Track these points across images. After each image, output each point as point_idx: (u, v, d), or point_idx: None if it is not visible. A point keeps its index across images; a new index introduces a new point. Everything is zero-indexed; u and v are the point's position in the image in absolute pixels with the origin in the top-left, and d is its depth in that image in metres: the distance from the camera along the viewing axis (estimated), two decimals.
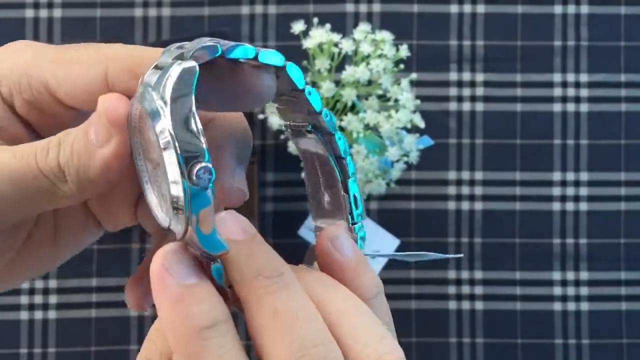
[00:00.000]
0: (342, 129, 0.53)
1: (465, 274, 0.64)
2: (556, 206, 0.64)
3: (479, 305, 0.64)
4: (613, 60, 0.65)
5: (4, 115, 0.23)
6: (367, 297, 0.22)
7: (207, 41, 0.21)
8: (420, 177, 0.64)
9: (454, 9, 0.65)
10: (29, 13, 0.63)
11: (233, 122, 0.24)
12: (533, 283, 0.64)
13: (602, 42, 0.65)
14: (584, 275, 0.64)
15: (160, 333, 0.20)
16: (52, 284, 0.62)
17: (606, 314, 0.64)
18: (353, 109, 0.54)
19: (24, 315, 0.62)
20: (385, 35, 0.53)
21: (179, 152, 0.19)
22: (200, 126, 0.19)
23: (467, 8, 0.65)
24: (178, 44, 0.21)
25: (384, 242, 0.63)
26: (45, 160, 0.21)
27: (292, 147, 0.55)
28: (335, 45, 0.53)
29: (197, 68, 0.19)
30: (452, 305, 0.63)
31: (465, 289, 0.64)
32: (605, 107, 0.65)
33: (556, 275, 0.64)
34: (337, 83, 0.53)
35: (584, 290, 0.64)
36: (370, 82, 0.53)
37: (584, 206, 0.64)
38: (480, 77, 0.65)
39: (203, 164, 0.19)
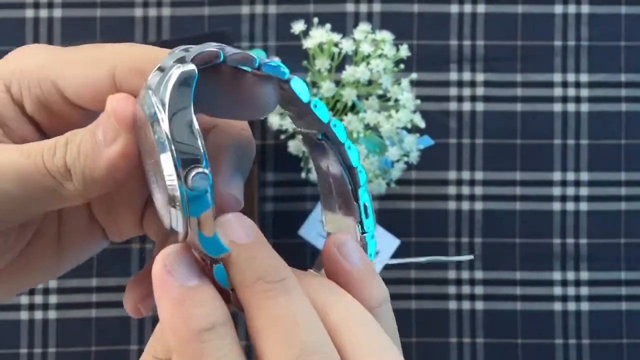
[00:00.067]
0: None
1: (465, 274, 0.64)
2: (556, 206, 0.64)
3: (479, 305, 0.64)
4: (613, 60, 0.65)
5: (14, 116, 0.23)
6: (371, 306, 0.21)
7: (211, 46, 0.20)
8: (420, 177, 0.64)
9: (454, 8, 0.65)
10: (29, 13, 0.63)
11: (236, 130, 0.24)
12: (533, 283, 0.64)
13: (602, 42, 0.65)
14: (584, 275, 0.64)
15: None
16: (52, 284, 0.62)
17: (606, 314, 0.64)
18: (353, 109, 0.54)
19: (24, 315, 0.62)
20: (386, 35, 0.53)
21: (175, 155, 0.19)
22: (198, 130, 0.19)
23: (468, 8, 0.65)
24: (184, 47, 0.21)
25: (384, 242, 0.63)
26: (52, 160, 0.21)
27: (292, 147, 0.55)
28: (336, 45, 0.53)
29: (196, 72, 0.19)
30: (453, 305, 0.63)
31: (466, 289, 0.64)
32: (606, 107, 0.65)
33: (556, 275, 0.64)
34: (337, 83, 0.53)
35: (584, 290, 0.64)
36: (370, 82, 0.53)
37: (584, 206, 0.64)
38: (480, 77, 0.65)
39: (200, 170, 0.19)
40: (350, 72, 0.52)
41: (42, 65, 0.23)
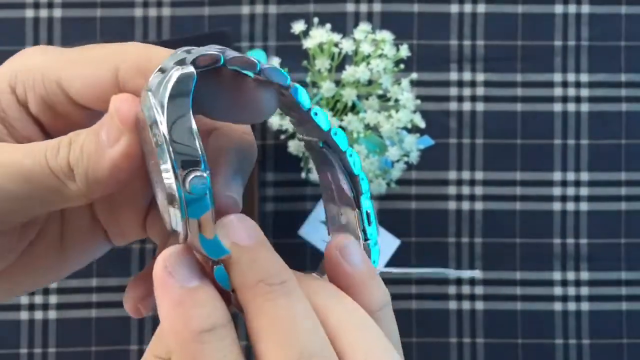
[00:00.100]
0: (342, 128, 0.53)
1: (465, 274, 0.64)
2: (557, 206, 0.64)
3: (480, 305, 0.64)
4: (614, 60, 0.65)
5: (18, 116, 0.23)
6: (372, 310, 0.21)
7: (213, 49, 0.20)
8: (420, 177, 0.64)
9: (454, 8, 0.65)
10: (29, 13, 0.63)
11: (238, 133, 0.24)
12: (533, 283, 0.64)
13: (602, 42, 0.65)
14: (585, 275, 0.64)
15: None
16: (52, 284, 0.62)
17: (607, 314, 0.64)
18: (353, 109, 0.54)
19: (24, 315, 0.62)
20: (386, 35, 0.53)
21: (172, 157, 0.19)
22: (196, 133, 0.19)
23: (468, 8, 0.65)
24: (186, 48, 0.21)
25: (384, 242, 0.63)
26: (55, 159, 0.21)
27: (292, 147, 0.55)
28: (336, 45, 0.53)
29: (195, 75, 0.19)
30: (453, 305, 0.63)
31: (466, 289, 0.64)
32: (606, 107, 0.65)
33: (557, 275, 0.64)
34: (338, 83, 0.53)
35: (585, 290, 0.64)
36: (370, 82, 0.53)
37: (584, 206, 0.64)
38: (480, 77, 0.65)
39: (198, 173, 0.19)
40: (350, 72, 0.52)
41: (47, 66, 0.23)
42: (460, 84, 0.64)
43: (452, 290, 0.64)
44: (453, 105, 0.64)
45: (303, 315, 0.19)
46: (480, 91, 0.64)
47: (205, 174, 0.19)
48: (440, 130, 0.64)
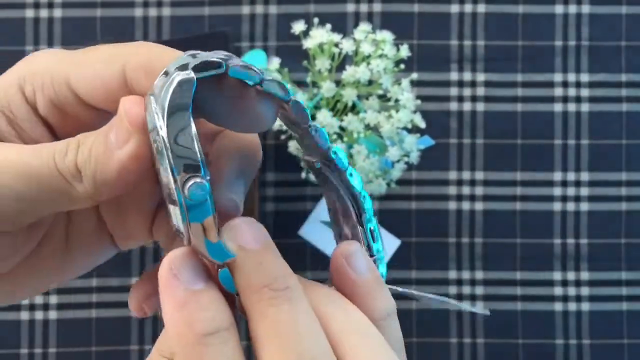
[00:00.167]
0: (342, 129, 0.53)
1: (466, 274, 0.64)
2: (557, 206, 0.64)
3: (480, 305, 0.64)
4: (614, 60, 0.65)
5: (27, 117, 0.23)
6: (376, 318, 0.21)
7: (217, 56, 0.20)
8: (420, 177, 0.64)
9: (454, 8, 0.65)
10: (29, 13, 0.63)
11: (243, 137, 0.24)
12: (534, 283, 0.64)
13: (603, 42, 0.65)
14: (585, 275, 0.64)
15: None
16: None
17: (607, 314, 0.64)
18: (353, 109, 0.54)
19: (24, 315, 0.62)
20: (386, 35, 0.53)
21: (172, 162, 0.19)
22: (196, 138, 0.19)
23: (468, 8, 0.65)
24: (192, 52, 0.21)
25: (384, 243, 0.63)
26: (63, 161, 0.21)
27: (292, 147, 0.55)
28: (336, 45, 0.53)
29: (195, 81, 0.19)
30: (452, 305, 0.63)
31: (466, 289, 0.64)
32: (606, 107, 0.65)
33: (557, 276, 0.64)
34: (338, 83, 0.53)
35: (585, 291, 0.64)
36: (370, 82, 0.53)
37: (584, 206, 0.64)
38: (481, 77, 0.64)
39: (197, 179, 0.19)
40: (350, 72, 0.52)
41: (55, 67, 0.23)
42: (460, 84, 0.64)
43: (452, 290, 0.64)
44: (453, 106, 0.64)
45: (305, 321, 0.19)
46: (480, 91, 0.64)
47: (204, 181, 0.19)
48: (441, 130, 0.64)
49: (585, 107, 0.65)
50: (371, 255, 0.23)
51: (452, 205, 0.64)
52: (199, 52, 0.21)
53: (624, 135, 0.64)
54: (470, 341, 0.63)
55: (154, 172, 0.21)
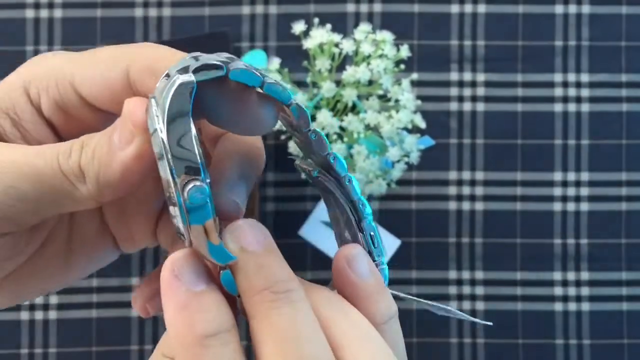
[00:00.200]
0: (342, 129, 0.53)
1: (466, 274, 0.64)
2: (557, 206, 0.64)
3: (480, 305, 0.64)
4: (614, 60, 0.65)
5: (31, 119, 0.23)
6: (378, 322, 0.21)
7: (219, 58, 0.20)
8: (421, 177, 0.64)
9: (454, 8, 0.65)
10: (30, 13, 0.64)
11: (246, 139, 0.24)
12: (534, 283, 0.64)
13: (603, 42, 0.65)
14: (585, 275, 0.64)
15: None
16: None
17: (607, 315, 0.64)
18: (354, 109, 0.54)
19: (24, 315, 0.62)
20: (386, 36, 0.53)
21: (171, 165, 0.19)
22: (196, 141, 0.19)
23: (468, 8, 0.65)
24: (195, 54, 0.21)
25: (384, 243, 0.63)
26: (67, 161, 0.21)
27: (292, 148, 0.55)
28: (336, 45, 0.53)
29: (195, 84, 0.19)
30: (453, 305, 0.63)
31: (466, 289, 0.64)
32: (607, 107, 0.65)
33: (557, 276, 0.64)
34: (338, 83, 0.53)
35: (585, 291, 0.64)
36: (370, 83, 0.53)
37: (585, 206, 0.64)
38: (481, 77, 0.64)
39: (197, 183, 0.19)
40: (350, 73, 0.52)
41: (60, 68, 0.23)
42: (460, 84, 0.64)
43: (452, 290, 0.64)
44: (453, 106, 0.64)
45: (306, 325, 0.19)
46: (480, 91, 0.64)
47: (204, 184, 0.19)
48: (441, 130, 0.64)
49: (585, 107, 0.65)
50: (372, 261, 0.23)
51: (452, 205, 0.64)
52: (201, 54, 0.21)
53: (624, 135, 0.64)
54: (470, 341, 0.63)
55: (157, 174, 0.21)
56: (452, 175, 0.64)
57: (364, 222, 0.23)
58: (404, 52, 0.53)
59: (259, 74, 0.20)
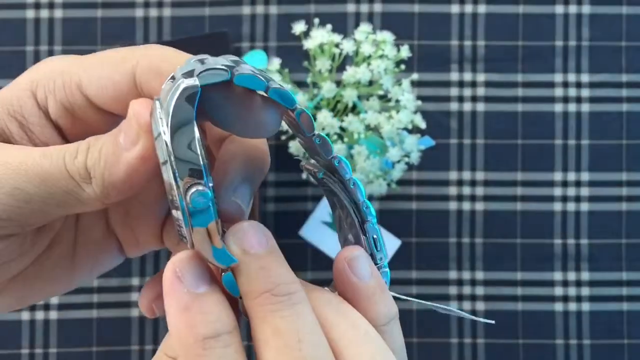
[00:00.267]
0: (343, 129, 0.53)
1: (466, 275, 0.64)
2: (557, 206, 0.64)
3: (480, 305, 0.64)
4: (614, 61, 0.65)
5: (38, 121, 0.23)
6: (378, 324, 0.21)
7: (225, 62, 0.21)
8: (421, 177, 0.64)
9: (455, 9, 0.65)
10: (30, 14, 0.64)
11: (250, 142, 0.24)
12: (534, 283, 0.64)
13: (603, 42, 0.65)
14: (585, 275, 0.64)
15: None
16: None
17: (607, 315, 0.64)
18: (354, 109, 0.54)
19: (25, 315, 0.62)
20: (386, 36, 0.53)
21: (174, 168, 0.19)
22: (199, 145, 0.19)
23: (469, 8, 0.65)
24: (201, 57, 0.21)
25: (385, 243, 0.63)
26: (73, 162, 0.21)
27: (293, 148, 0.55)
28: (336, 45, 0.53)
29: (199, 88, 0.19)
30: (453, 306, 0.63)
31: (467, 289, 0.64)
32: (607, 107, 0.65)
33: (557, 276, 0.64)
34: (338, 83, 0.53)
35: (585, 291, 0.64)
36: (371, 83, 0.53)
37: (585, 206, 0.64)
38: (481, 77, 0.64)
39: (199, 187, 0.19)
40: (351, 73, 0.52)
41: (67, 71, 0.23)
42: (461, 84, 0.64)
43: (452, 290, 0.64)
44: (454, 106, 0.64)
45: (307, 328, 0.19)
46: (481, 91, 0.64)
47: (206, 188, 0.19)
48: (441, 130, 0.64)
49: (585, 108, 0.65)
50: (375, 264, 0.23)
51: (452, 205, 0.64)
52: (207, 56, 0.21)
53: (625, 135, 0.64)
54: (470, 341, 0.63)
55: (161, 178, 0.22)
56: (453, 175, 0.64)
57: (367, 224, 0.23)
58: (404, 52, 0.53)
59: (263, 79, 0.21)
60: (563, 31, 0.65)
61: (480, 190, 0.64)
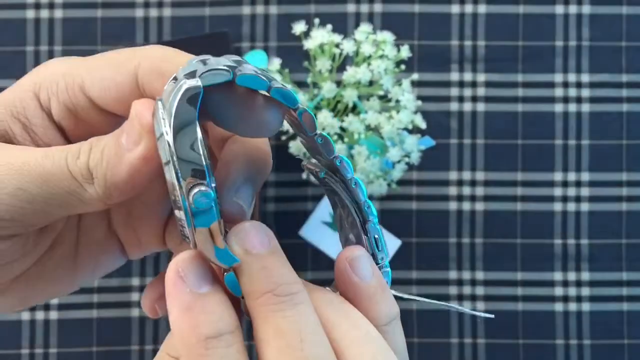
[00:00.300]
0: (343, 129, 0.53)
1: (466, 275, 0.64)
2: (557, 206, 0.64)
3: (480, 305, 0.64)
4: (615, 61, 0.65)
5: (41, 122, 0.23)
6: (380, 324, 0.21)
7: (226, 63, 0.21)
8: (421, 177, 0.64)
9: (455, 9, 0.65)
10: (30, 14, 0.64)
11: (253, 142, 0.24)
12: (534, 284, 0.64)
13: (603, 42, 0.65)
14: (585, 275, 0.64)
15: None
16: None
17: (608, 315, 0.64)
18: (354, 109, 0.54)
19: (25, 315, 0.62)
20: (387, 36, 0.53)
21: (177, 169, 0.19)
22: (201, 145, 0.19)
23: (469, 8, 0.65)
24: (203, 57, 0.21)
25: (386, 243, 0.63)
26: (75, 163, 0.21)
27: (293, 148, 0.55)
28: (337, 45, 0.53)
29: (201, 89, 0.19)
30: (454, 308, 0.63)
31: (467, 289, 0.64)
32: (607, 107, 0.65)
33: (557, 276, 0.64)
34: (338, 84, 0.53)
35: (586, 291, 0.64)
36: (371, 83, 0.53)
37: (585, 206, 0.64)
38: (481, 77, 0.64)
39: (202, 187, 0.19)
40: (351, 73, 0.52)
41: (70, 72, 0.23)
42: (461, 84, 0.64)
43: (453, 290, 0.64)
44: (454, 106, 0.64)
45: (309, 328, 0.19)
46: (481, 91, 0.64)
47: (209, 188, 0.19)
48: (441, 130, 0.64)
49: (585, 108, 0.65)
50: (376, 264, 0.23)
51: (452, 205, 0.64)
52: (209, 57, 0.21)
53: (625, 135, 0.64)
54: (471, 341, 0.63)
55: (163, 179, 0.22)
56: (453, 175, 0.64)
57: (369, 224, 0.23)
58: (405, 52, 0.53)
59: (265, 78, 0.21)
60: (563, 31, 0.65)
61: (480, 191, 0.64)
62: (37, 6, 0.64)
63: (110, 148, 0.21)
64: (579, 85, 0.64)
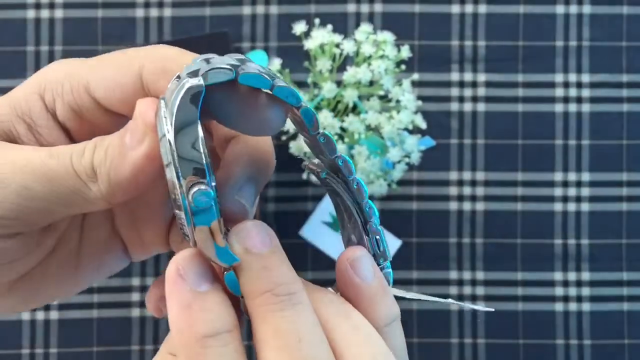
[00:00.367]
0: (343, 129, 0.53)
1: (467, 275, 0.64)
2: (558, 207, 0.64)
3: (481, 305, 0.64)
4: (615, 61, 0.65)
5: (46, 123, 0.23)
6: (380, 325, 0.21)
7: (230, 61, 0.21)
8: (421, 177, 0.64)
9: (455, 9, 0.65)
10: (30, 14, 0.64)
11: (256, 142, 0.24)
12: (535, 284, 0.64)
13: (604, 42, 0.65)
14: (586, 275, 0.64)
15: None
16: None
17: (608, 315, 0.64)
18: (354, 109, 0.54)
19: (25, 315, 0.62)
20: (387, 36, 0.53)
21: (177, 167, 0.19)
22: (202, 145, 0.19)
23: (469, 8, 0.65)
24: (206, 56, 0.21)
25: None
26: (79, 161, 0.21)
27: (293, 148, 0.55)
28: (337, 46, 0.53)
29: (203, 88, 0.20)
30: (454, 305, 0.63)
31: (467, 289, 0.64)
32: (607, 107, 0.65)
33: (558, 276, 0.64)
34: (339, 84, 0.53)
35: (586, 291, 0.64)
36: (371, 83, 0.53)
37: (585, 207, 0.64)
38: (482, 77, 0.64)
39: (202, 186, 0.19)
40: (351, 73, 0.52)
41: (74, 73, 0.23)
42: (461, 84, 0.64)
43: (453, 290, 0.64)
44: (454, 106, 0.64)
45: (307, 328, 0.19)
46: (481, 92, 0.64)
47: (209, 188, 0.19)
48: (442, 130, 0.64)
49: (586, 108, 0.65)
50: (377, 264, 0.23)
51: (453, 205, 0.64)
52: (213, 56, 0.21)
53: (625, 135, 0.64)
54: (471, 341, 0.63)
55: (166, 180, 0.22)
56: (453, 175, 0.64)
57: (370, 224, 0.23)
58: (405, 52, 0.53)
59: (268, 77, 0.21)
60: (564, 31, 0.65)
61: (480, 191, 0.64)
62: (38, 6, 0.64)
63: (114, 147, 0.21)
64: (579, 85, 0.64)
